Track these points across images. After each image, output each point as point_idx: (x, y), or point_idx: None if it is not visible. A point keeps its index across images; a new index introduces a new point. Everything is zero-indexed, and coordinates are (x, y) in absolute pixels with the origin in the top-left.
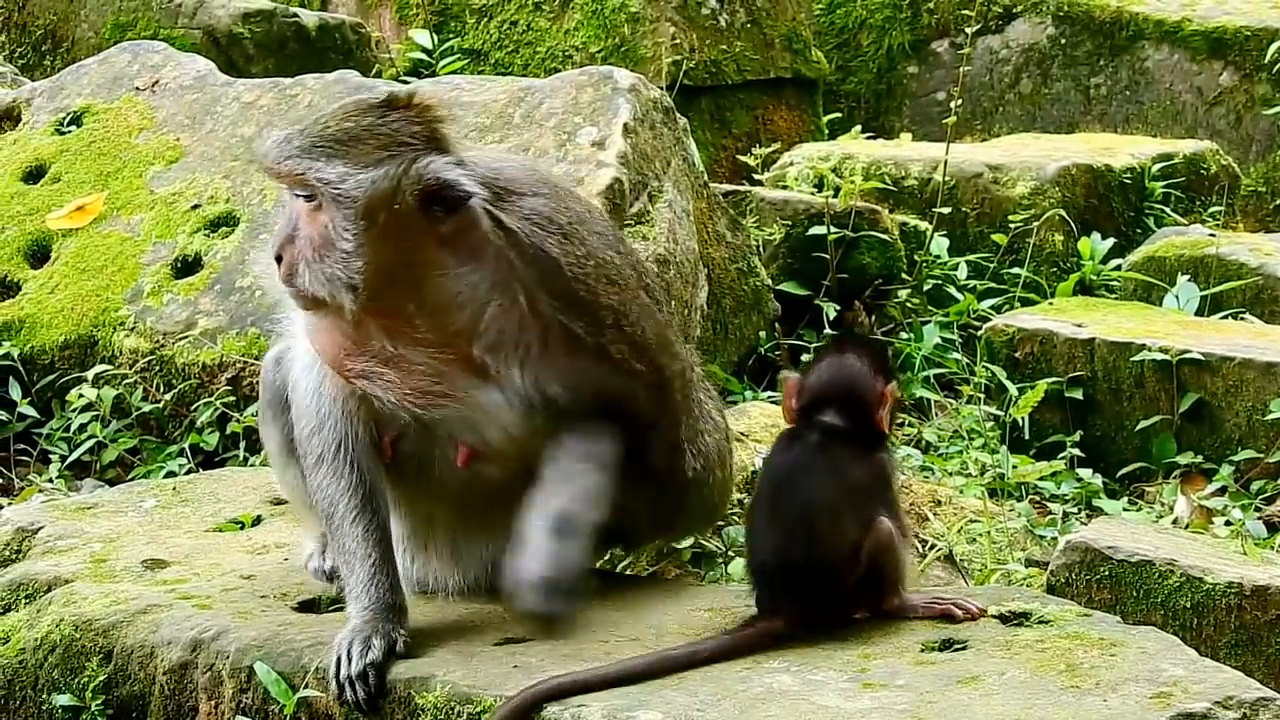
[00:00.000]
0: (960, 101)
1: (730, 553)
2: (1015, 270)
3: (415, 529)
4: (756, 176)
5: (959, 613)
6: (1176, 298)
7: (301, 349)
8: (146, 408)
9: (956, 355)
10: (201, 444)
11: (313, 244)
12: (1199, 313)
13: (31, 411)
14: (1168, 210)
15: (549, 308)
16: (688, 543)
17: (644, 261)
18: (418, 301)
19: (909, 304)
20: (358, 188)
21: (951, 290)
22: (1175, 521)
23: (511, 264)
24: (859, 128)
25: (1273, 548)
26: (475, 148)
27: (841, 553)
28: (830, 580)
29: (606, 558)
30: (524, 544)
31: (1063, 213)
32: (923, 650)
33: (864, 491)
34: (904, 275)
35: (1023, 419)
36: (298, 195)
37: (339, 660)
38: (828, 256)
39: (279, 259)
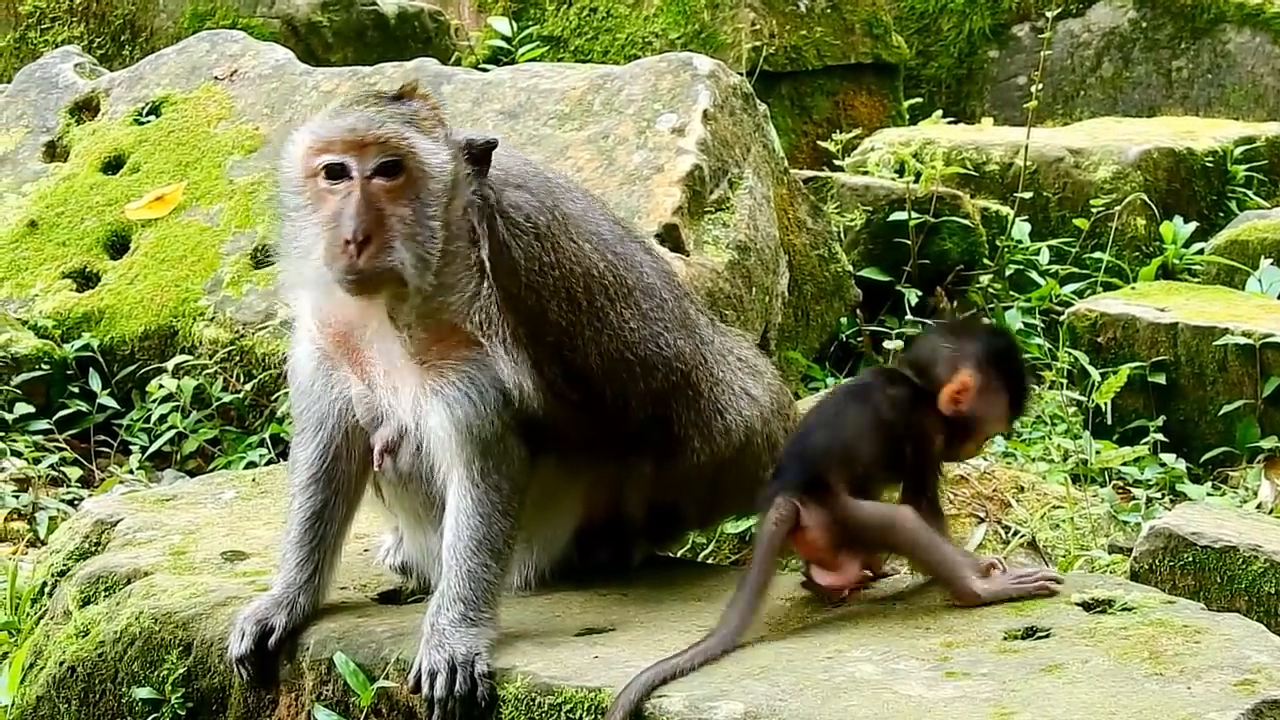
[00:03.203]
0: (1041, 86)
1: None
2: (1097, 255)
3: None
4: (837, 162)
5: (1051, 587)
6: (1260, 281)
7: (305, 341)
8: (227, 398)
9: (1039, 340)
10: (282, 434)
11: (405, 222)
12: None
13: (112, 402)
14: (1250, 193)
15: (500, 305)
16: None
17: (661, 265)
18: (435, 283)
19: (991, 289)
20: (446, 161)
21: (1033, 275)
22: (1259, 506)
23: (482, 253)
24: (940, 113)
25: None
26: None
27: (852, 455)
28: (830, 467)
29: (688, 546)
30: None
31: (1144, 197)
32: (1005, 638)
33: (897, 441)
34: (985, 260)
35: (1105, 404)
36: (375, 174)
37: (236, 638)
38: (909, 242)
39: (366, 240)
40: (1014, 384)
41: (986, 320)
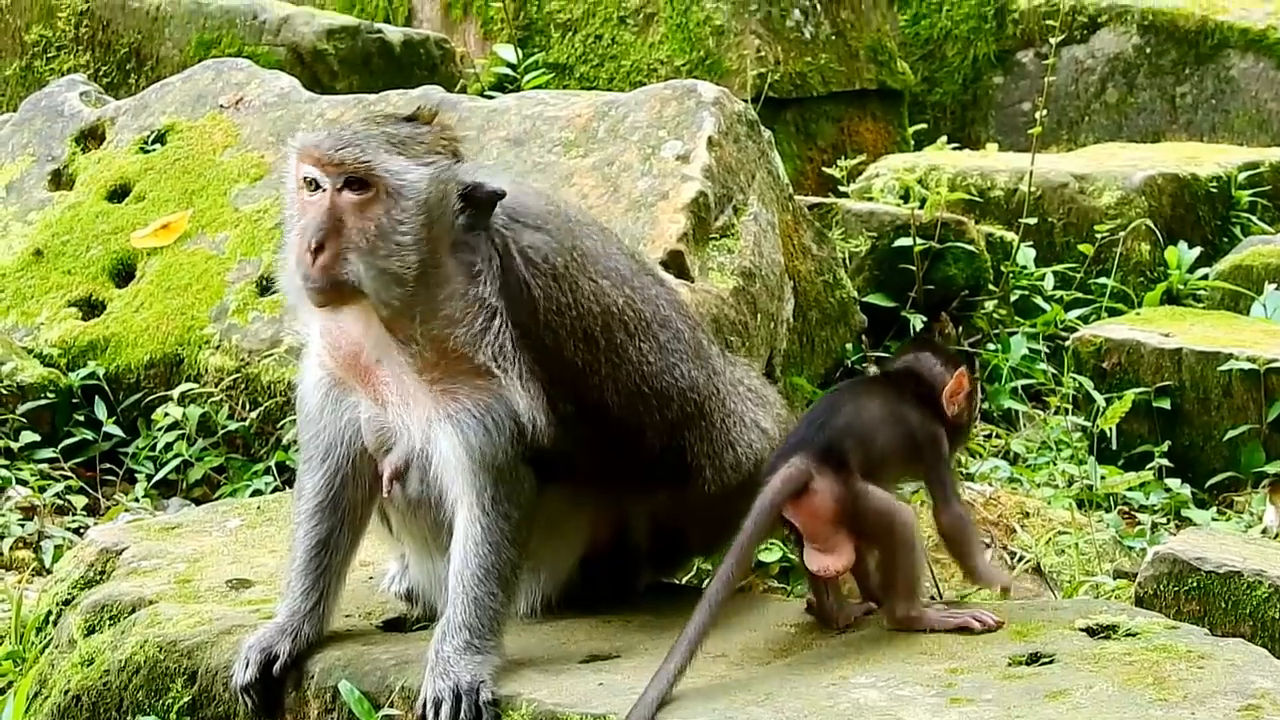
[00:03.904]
0: (1046, 111)
1: None
2: (1102, 280)
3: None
4: (842, 188)
5: (977, 625)
6: (1264, 306)
7: (314, 367)
8: (232, 426)
9: (1044, 366)
10: (287, 462)
11: (366, 235)
12: None
13: (117, 430)
14: (1254, 219)
15: (515, 341)
16: (775, 556)
17: (674, 296)
18: (428, 308)
19: (996, 315)
20: (419, 180)
21: (1038, 301)
22: (1264, 531)
23: (496, 292)
24: (945, 138)
25: None
26: (553, 163)
27: (871, 438)
28: (849, 442)
29: (692, 572)
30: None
31: (1149, 222)
32: (1010, 664)
33: (910, 435)
34: (990, 286)
35: (1110, 429)
36: (345, 188)
37: (240, 666)
38: (914, 268)
39: (319, 249)
40: (975, 398)
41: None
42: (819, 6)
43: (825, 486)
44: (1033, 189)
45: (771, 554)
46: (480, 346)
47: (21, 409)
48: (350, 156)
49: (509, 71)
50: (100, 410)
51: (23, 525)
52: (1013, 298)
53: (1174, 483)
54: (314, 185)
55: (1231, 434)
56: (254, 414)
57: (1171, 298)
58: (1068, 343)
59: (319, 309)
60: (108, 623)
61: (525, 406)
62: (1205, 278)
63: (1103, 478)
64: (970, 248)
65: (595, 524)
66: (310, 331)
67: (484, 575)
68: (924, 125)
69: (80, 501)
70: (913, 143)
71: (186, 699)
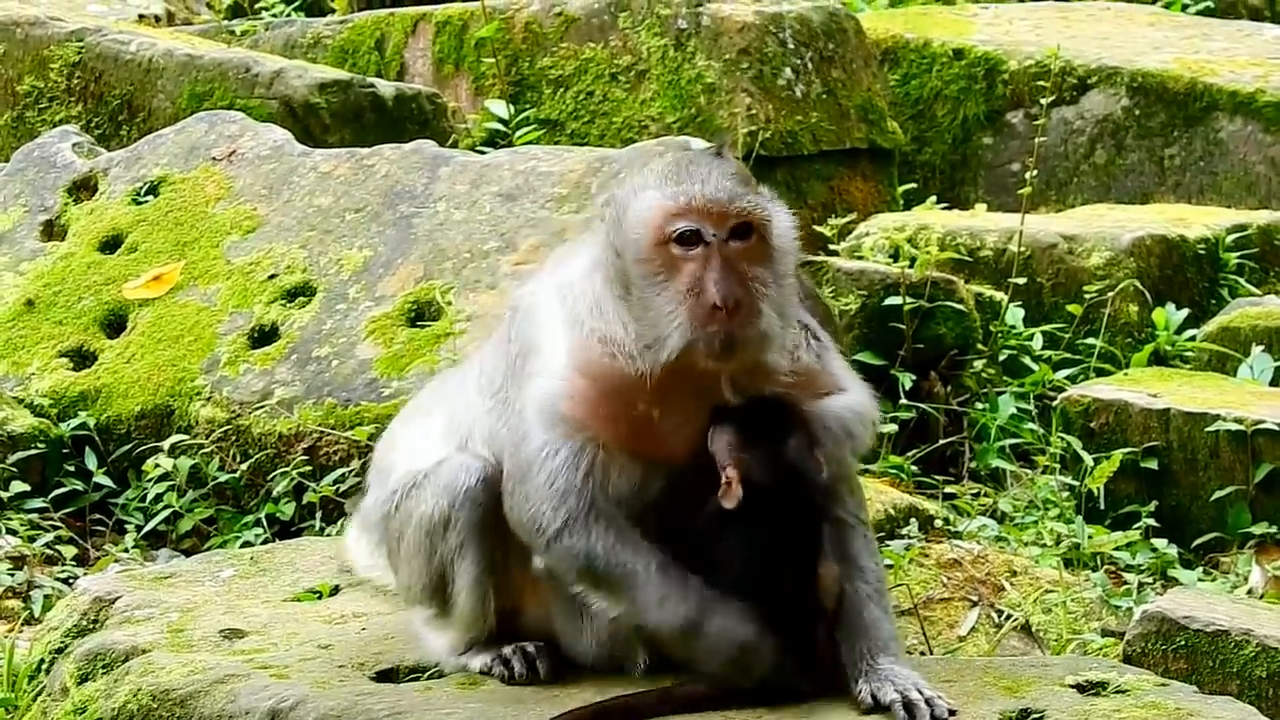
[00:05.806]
0: (1035, 172)
1: None
2: (1090, 341)
3: None
4: (832, 247)
5: None
6: (1251, 368)
7: (555, 435)
8: (223, 477)
9: (1032, 426)
10: (278, 514)
11: (764, 284)
12: (1273, 383)
13: (108, 481)
14: (1242, 281)
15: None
16: None
17: None
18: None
19: (984, 374)
20: (788, 220)
21: (1027, 361)
22: (1250, 591)
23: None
24: (934, 198)
25: None
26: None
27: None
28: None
29: None
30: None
31: (1137, 283)
32: None
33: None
34: (979, 345)
35: (1098, 489)
36: (730, 237)
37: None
38: (903, 327)
39: (736, 306)
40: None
41: None
42: (810, 65)
43: None
44: (1022, 249)
45: None
46: (807, 354)
47: (12, 459)
48: (746, 209)
49: (500, 127)
50: (91, 461)
51: (12, 575)
52: (1001, 357)
53: (1161, 543)
54: (692, 240)
55: (1218, 495)
56: (244, 466)
57: (1159, 359)
58: (1056, 402)
59: (719, 365)
60: (101, 671)
61: (861, 394)
62: (1193, 339)
63: (1090, 537)
64: (959, 307)
65: None
66: (528, 403)
67: (883, 587)
68: (913, 185)
69: (70, 552)
70: (902, 202)
71: None
